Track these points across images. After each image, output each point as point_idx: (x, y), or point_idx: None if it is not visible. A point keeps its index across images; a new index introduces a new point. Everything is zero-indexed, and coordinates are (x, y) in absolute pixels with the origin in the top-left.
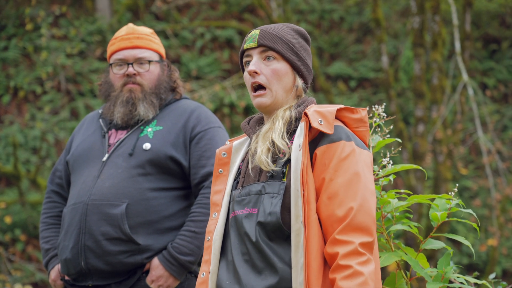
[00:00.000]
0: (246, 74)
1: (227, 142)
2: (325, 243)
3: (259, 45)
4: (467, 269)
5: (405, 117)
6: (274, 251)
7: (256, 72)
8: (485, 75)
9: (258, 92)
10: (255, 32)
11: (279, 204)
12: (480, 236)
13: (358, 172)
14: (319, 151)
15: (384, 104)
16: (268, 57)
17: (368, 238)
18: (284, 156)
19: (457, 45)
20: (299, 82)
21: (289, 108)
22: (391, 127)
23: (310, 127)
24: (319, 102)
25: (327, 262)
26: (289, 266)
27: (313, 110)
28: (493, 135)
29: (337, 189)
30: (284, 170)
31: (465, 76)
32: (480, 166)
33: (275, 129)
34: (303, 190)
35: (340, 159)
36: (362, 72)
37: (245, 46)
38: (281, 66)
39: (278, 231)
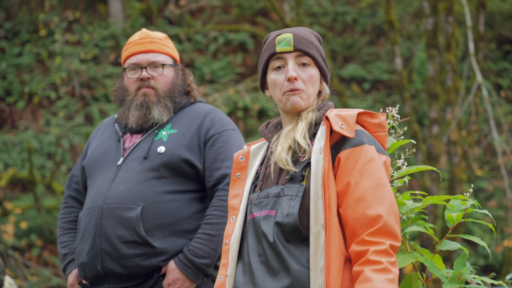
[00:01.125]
0: (278, 78)
1: (245, 147)
2: (346, 245)
3: (296, 50)
4: (483, 270)
5: (420, 119)
6: (290, 253)
7: (296, 79)
8: (499, 76)
9: (294, 92)
10: (287, 35)
11: (297, 206)
12: (496, 237)
13: (383, 177)
14: (342, 155)
15: (398, 106)
16: (303, 63)
17: (397, 242)
18: (304, 158)
19: (471, 46)
20: (326, 87)
21: (312, 111)
22: (405, 128)
23: (331, 131)
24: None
25: (351, 261)
26: (305, 267)
27: (334, 114)
28: (508, 136)
29: (364, 192)
30: (304, 173)
31: (479, 77)
32: (495, 167)
33: (297, 129)
34: (325, 193)
35: (365, 162)
36: (376, 74)
37: (278, 49)
38: (315, 72)
39: (295, 233)
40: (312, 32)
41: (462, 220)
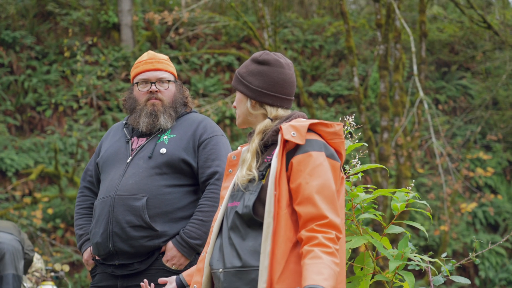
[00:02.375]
0: None
1: (239, 148)
2: (295, 235)
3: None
4: (424, 250)
5: (373, 127)
6: (248, 234)
7: (234, 106)
8: (438, 92)
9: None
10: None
11: (253, 199)
12: (433, 223)
13: (329, 179)
14: (295, 159)
15: (354, 115)
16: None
17: (340, 233)
18: (267, 162)
19: (415, 68)
20: (248, 104)
21: (259, 133)
22: (360, 134)
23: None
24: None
25: (299, 245)
26: (258, 251)
27: (288, 124)
28: (444, 141)
29: (312, 191)
30: (264, 172)
31: (421, 93)
32: (434, 166)
33: (246, 161)
34: (275, 190)
35: (314, 166)
36: (338, 90)
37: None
38: (238, 96)
39: (252, 220)
40: (251, 58)
41: (406, 209)
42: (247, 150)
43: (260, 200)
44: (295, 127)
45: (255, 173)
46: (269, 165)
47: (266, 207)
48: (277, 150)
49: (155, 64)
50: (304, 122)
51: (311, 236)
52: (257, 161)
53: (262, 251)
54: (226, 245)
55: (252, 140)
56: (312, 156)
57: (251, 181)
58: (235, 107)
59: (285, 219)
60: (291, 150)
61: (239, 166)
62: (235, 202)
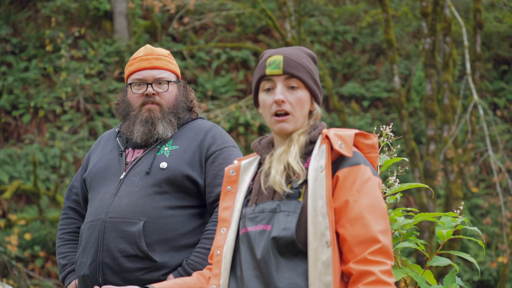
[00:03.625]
0: (267, 99)
1: (235, 161)
2: (341, 261)
3: (285, 73)
4: (479, 286)
5: (417, 136)
6: (283, 266)
7: (283, 101)
8: (496, 95)
9: (282, 118)
10: (278, 58)
11: (294, 221)
12: (487, 253)
13: (379, 196)
14: (341, 173)
15: (392, 124)
16: (292, 86)
17: (393, 262)
18: (299, 179)
19: (468, 66)
20: (317, 107)
21: (303, 133)
22: (398, 146)
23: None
24: (332, 122)
25: (349, 279)
26: (299, 281)
27: (333, 133)
28: (503, 154)
29: (362, 210)
30: (300, 190)
31: (475, 96)
32: (490, 184)
33: (290, 153)
34: (330, 211)
35: (362, 181)
36: (375, 92)
37: (268, 71)
38: (304, 94)
39: (290, 246)
40: (307, 52)
41: (456, 236)
42: (290, 143)
43: (299, 224)
44: (341, 137)
45: (304, 169)
46: (305, 180)
47: (309, 230)
48: (322, 162)
49: (153, 61)
50: (349, 131)
51: (365, 272)
52: (302, 161)
53: (311, 282)
54: (250, 278)
55: (289, 141)
56: (361, 169)
57: (283, 200)
58: (284, 102)
59: (336, 245)
60: (332, 162)
61: (239, 183)
62: (261, 226)
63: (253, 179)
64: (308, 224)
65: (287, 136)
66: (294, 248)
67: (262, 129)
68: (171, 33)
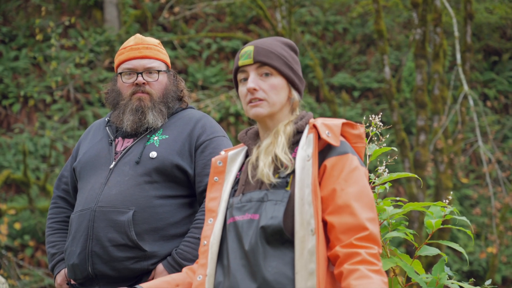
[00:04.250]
0: (242, 90)
1: (222, 152)
2: (329, 248)
3: (255, 62)
4: (468, 276)
5: (407, 127)
6: (270, 255)
7: (255, 89)
8: (486, 86)
9: (255, 103)
10: (249, 48)
11: (282, 210)
12: (477, 244)
13: (366, 185)
14: (328, 162)
15: (381, 113)
16: (265, 74)
17: (380, 249)
18: (287, 169)
19: (458, 57)
20: (295, 94)
21: (289, 123)
22: (388, 136)
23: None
24: (322, 112)
25: (335, 262)
26: (286, 270)
27: (320, 122)
28: (493, 145)
29: (349, 198)
30: (288, 180)
31: (466, 87)
32: (480, 175)
33: (278, 144)
34: (315, 200)
35: (350, 170)
36: (365, 83)
37: (240, 63)
38: (278, 81)
39: (277, 235)
40: (283, 41)
41: (446, 226)
42: (276, 134)
43: (286, 213)
44: (328, 126)
45: (292, 160)
46: (293, 169)
47: (296, 219)
48: (309, 152)
49: (143, 51)
50: (336, 121)
51: (351, 253)
52: (290, 151)
53: (298, 270)
54: (237, 267)
55: (275, 132)
56: (348, 158)
57: (271, 189)
58: (256, 89)
59: (322, 232)
60: (320, 151)
61: (226, 173)
62: (248, 215)
63: (240, 170)
64: (295, 213)
65: (267, 125)
66: (281, 237)
67: (253, 119)
68: (161, 22)
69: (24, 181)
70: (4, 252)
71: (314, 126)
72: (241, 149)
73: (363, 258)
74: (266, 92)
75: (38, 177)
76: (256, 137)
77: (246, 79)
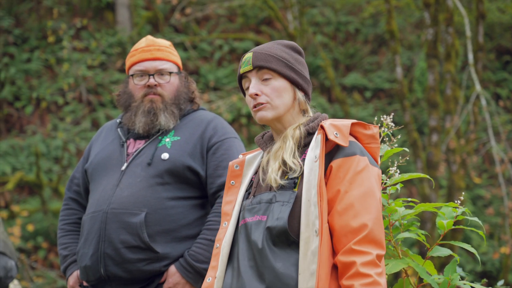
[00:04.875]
0: (247, 97)
1: (240, 156)
2: (333, 251)
3: (254, 67)
4: (482, 276)
5: (419, 127)
6: (277, 256)
7: (257, 94)
8: (498, 85)
9: (258, 107)
10: (248, 55)
11: (287, 211)
12: (490, 244)
13: (372, 187)
14: (334, 163)
15: (393, 114)
16: (266, 78)
17: (382, 251)
18: (295, 173)
19: (470, 56)
20: (300, 95)
21: (298, 127)
22: (399, 136)
23: (326, 140)
24: (334, 113)
25: (338, 270)
26: (292, 271)
27: (329, 123)
28: (506, 145)
29: (352, 201)
30: (296, 180)
31: (478, 87)
32: (493, 175)
33: (286, 149)
34: (321, 201)
35: (355, 172)
36: (377, 83)
37: (241, 70)
38: (279, 83)
39: (283, 236)
40: (285, 44)
41: (458, 227)
42: (285, 139)
43: (293, 214)
44: (337, 127)
45: (301, 164)
46: (302, 170)
47: (302, 220)
48: (316, 152)
49: (154, 53)
50: (345, 121)
51: (347, 264)
52: (300, 154)
53: (301, 271)
54: (245, 268)
55: (284, 137)
56: (355, 160)
57: (279, 190)
58: (258, 95)
59: (327, 234)
60: (328, 152)
61: (242, 177)
62: (257, 216)
63: (255, 173)
64: (301, 214)
65: (277, 128)
66: (287, 238)
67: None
68: (173, 24)
69: (37, 183)
70: (17, 254)
71: (322, 127)
72: (258, 153)
73: (356, 271)
74: (268, 95)
75: (51, 179)
76: (271, 140)
77: (249, 86)
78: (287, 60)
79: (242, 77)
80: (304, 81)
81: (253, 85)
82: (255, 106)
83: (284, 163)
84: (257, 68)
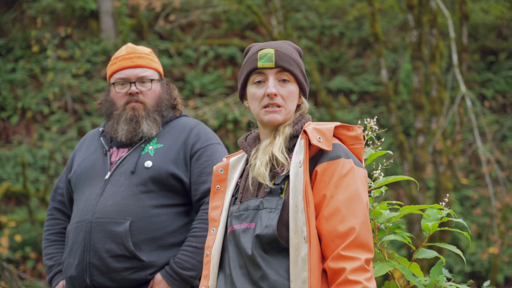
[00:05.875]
0: (257, 92)
1: (224, 159)
2: (323, 257)
3: (277, 66)
4: (471, 277)
5: (406, 129)
6: (268, 264)
7: (276, 95)
8: (483, 86)
9: (274, 109)
10: (269, 51)
11: (276, 218)
12: (478, 244)
13: (358, 190)
14: (319, 168)
15: (376, 117)
16: (284, 79)
17: (370, 254)
18: (283, 172)
19: (455, 58)
20: (305, 101)
21: (289, 125)
22: (383, 139)
23: (309, 144)
24: (321, 117)
25: (327, 276)
26: (284, 278)
27: (311, 127)
28: (492, 145)
29: (339, 205)
30: (283, 186)
31: (463, 88)
32: (480, 175)
33: (275, 144)
34: (307, 207)
35: (341, 176)
36: (363, 86)
37: (260, 64)
38: (294, 88)
39: (273, 244)
40: (294, 46)
41: (442, 228)
42: (275, 135)
43: (281, 220)
44: (320, 131)
45: (288, 160)
46: (287, 176)
47: (291, 227)
48: (300, 158)
49: (135, 60)
50: (328, 125)
51: (336, 270)
52: (287, 153)
53: (292, 279)
54: (238, 276)
55: (275, 133)
56: (340, 163)
57: (266, 196)
58: (276, 95)
59: (315, 240)
60: (313, 157)
61: (228, 181)
62: (245, 224)
63: (240, 176)
64: (289, 220)
65: (274, 128)
66: (277, 245)
67: (251, 126)
68: (157, 31)
69: (24, 193)
70: (6, 265)
71: (305, 132)
72: (242, 155)
73: (345, 279)
74: (284, 99)
75: (38, 189)
76: (256, 141)
77: (261, 82)
78: (300, 65)
79: (254, 70)
80: (307, 87)
81: (273, 84)
82: (267, 106)
83: (273, 157)
84: (280, 68)
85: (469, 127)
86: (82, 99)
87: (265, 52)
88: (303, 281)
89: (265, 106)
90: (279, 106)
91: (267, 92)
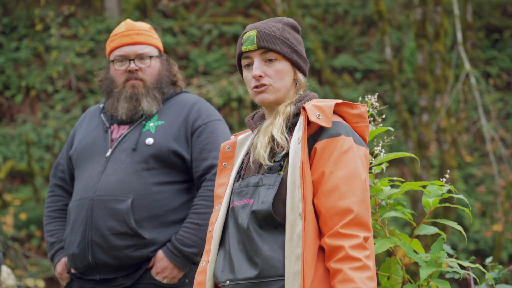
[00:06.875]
0: (248, 75)
1: (232, 137)
2: (320, 233)
3: (259, 48)
4: (474, 254)
5: (410, 107)
6: (263, 239)
7: (261, 76)
8: (488, 64)
9: (260, 89)
10: (252, 33)
11: (272, 194)
12: (482, 222)
13: (358, 168)
14: (319, 145)
15: (377, 94)
16: (269, 59)
17: (369, 233)
18: (282, 151)
19: (459, 35)
20: (300, 76)
21: (290, 104)
22: (384, 116)
23: (309, 122)
24: (325, 95)
25: (324, 253)
26: (279, 254)
27: (311, 104)
28: (496, 123)
29: (337, 182)
30: (282, 163)
31: (467, 66)
32: (484, 153)
33: (275, 124)
34: (303, 183)
35: (340, 153)
36: (367, 64)
37: (244, 48)
38: (283, 66)
39: (268, 219)
40: (285, 22)
41: (442, 204)
42: (276, 115)
43: (279, 197)
44: (319, 108)
45: (288, 140)
46: (287, 153)
47: (288, 203)
48: (299, 134)
49: (134, 37)
50: (329, 102)
51: (335, 247)
52: (287, 132)
53: (287, 255)
54: (235, 252)
55: (275, 113)
56: (340, 141)
57: (266, 173)
58: (262, 76)
59: (311, 217)
60: (313, 134)
61: (234, 159)
62: (245, 200)
63: (246, 154)
64: (287, 197)
65: (272, 107)
66: (272, 221)
67: (255, 104)
68: (161, 9)
69: (29, 172)
70: (11, 243)
71: (304, 109)
72: (249, 134)
73: (345, 255)
74: (272, 77)
75: (42, 167)
76: (262, 120)
77: (250, 65)
78: (290, 41)
79: (242, 54)
80: (303, 62)
81: (257, 66)
82: (256, 87)
83: (272, 138)
84: (262, 49)
85: (474, 105)
86: (86, 78)
87: (248, 35)
88: (297, 257)
89: (255, 88)
90: (265, 85)
91: (252, 75)
